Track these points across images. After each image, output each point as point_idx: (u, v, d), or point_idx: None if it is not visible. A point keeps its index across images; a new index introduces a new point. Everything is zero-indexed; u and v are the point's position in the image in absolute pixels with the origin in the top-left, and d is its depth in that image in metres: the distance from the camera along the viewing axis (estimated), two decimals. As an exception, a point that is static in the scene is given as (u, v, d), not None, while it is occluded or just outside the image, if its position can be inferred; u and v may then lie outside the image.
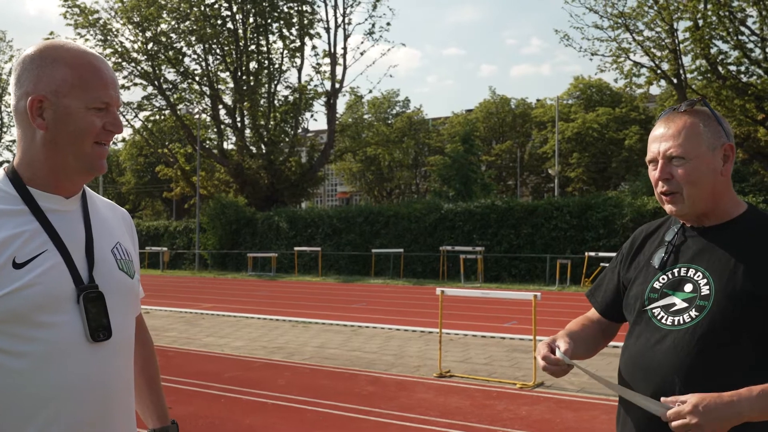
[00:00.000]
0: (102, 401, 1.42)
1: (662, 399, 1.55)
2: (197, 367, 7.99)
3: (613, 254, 18.20)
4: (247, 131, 32.25)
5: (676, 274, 1.74)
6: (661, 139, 1.74)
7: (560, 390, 6.79)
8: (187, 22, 30.81)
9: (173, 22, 30.96)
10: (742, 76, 24.63)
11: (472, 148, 38.11)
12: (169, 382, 7.00)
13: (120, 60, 30.22)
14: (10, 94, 1.44)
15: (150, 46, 30.73)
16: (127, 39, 31.09)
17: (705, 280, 1.67)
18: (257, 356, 8.80)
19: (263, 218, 27.50)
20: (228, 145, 33.88)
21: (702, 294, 1.66)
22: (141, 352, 1.71)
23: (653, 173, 1.76)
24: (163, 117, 32.74)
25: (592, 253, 18.51)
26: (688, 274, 1.72)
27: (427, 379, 7.34)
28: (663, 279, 1.76)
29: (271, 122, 31.55)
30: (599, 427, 5.50)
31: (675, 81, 24.90)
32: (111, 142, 1.50)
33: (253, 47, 31.79)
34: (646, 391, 1.65)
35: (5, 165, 1.49)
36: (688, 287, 1.70)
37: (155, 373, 1.79)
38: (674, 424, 1.51)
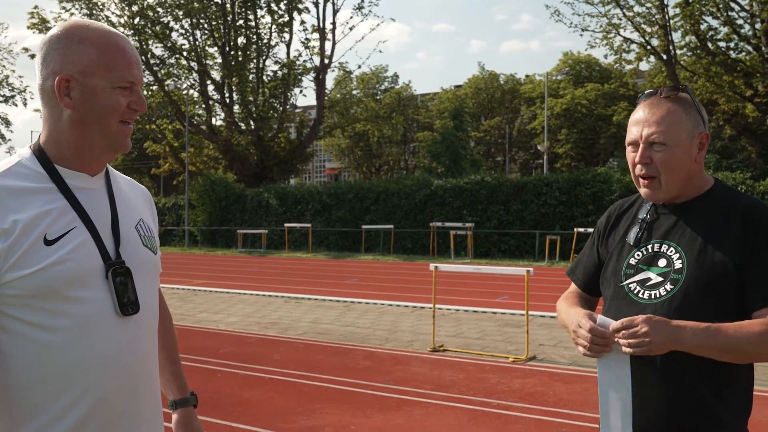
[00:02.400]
0: (130, 374, 1.46)
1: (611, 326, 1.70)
2: (193, 343, 8.04)
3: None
4: (236, 107, 32.02)
5: (650, 250, 1.82)
6: (644, 124, 1.79)
7: (552, 363, 6.91)
8: (174, -4, 30.41)
9: (160, -4, 30.55)
10: (731, 52, 24.69)
11: (461, 125, 38.08)
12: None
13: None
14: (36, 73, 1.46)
15: (136, 20, 30.33)
16: (113, 13, 30.70)
17: (677, 255, 1.77)
18: (252, 332, 8.87)
19: (253, 195, 27.46)
20: (217, 121, 33.68)
21: (675, 268, 1.75)
22: (161, 326, 1.75)
23: (632, 155, 1.83)
24: (150, 93, 32.43)
25: (582, 229, 18.67)
26: (662, 250, 1.80)
27: (421, 354, 7.44)
28: (638, 255, 1.84)
29: (260, 98, 31.34)
30: (592, 399, 5.61)
31: (664, 57, 24.93)
32: (134, 121, 1.52)
33: (241, 22, 31.45)
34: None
35: (31, 144, 1.51)
36: (662, 262, 1.78)
37: (174, 346, 1.84)
38: (625, 332, 1.65)
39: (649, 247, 1.83)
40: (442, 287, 11.01)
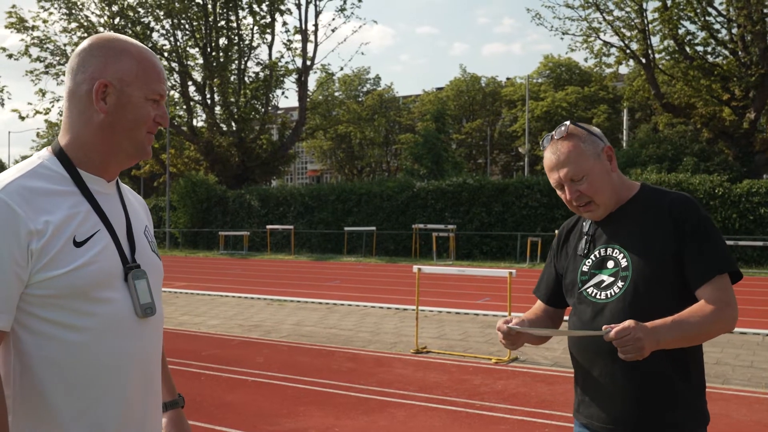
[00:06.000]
0: (146, 374, 1.53)
1: (603, 327, 1.79)
2: (175, 345, 8.01)
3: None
4: (217, 108, 31.85)
5: (598, 255, 2.04)
6: (557, 168, 2.01)
7: (534, 365, 6.97)
8: (155, -4, 30.19)
9: (140, -4, 30.31)
10: (709, 56, 25.02)
11: (443, 127, 38.20)
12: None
13: (85, 35, 29.53)
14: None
15: (117, 20, 30.08)
16: (93, 13, 30.41)
17: (622, 255, 1.98)
18: (234, 334, 8.85)
19: (234, 196, 27.35)
20: (198, 123, 33.44)
21: (622, 266, 1.96)
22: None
23: (563, 195, 2.04)
24: (131, 93, 32.09)
25: (562, 231, 18.79)
26: (608, 253, 2.02)
27: (404, 355, 7.47)
28: (589, 262, 2.06)
29: (242, 99, 31.20)
30: (573, 399, 5.67)
31: (643, 61, 25.20)
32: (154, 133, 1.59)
33: (222, 23, 31.29)
34: (593, 358, 1.97)
35: (49, 146, 1.55)
36: (610, 264, 2.00)
37: (163, 350, 1.86)
38: (619, 339, 1.73)
39: (597, 253, 2.04)
40: (424, 289, 11.05)
